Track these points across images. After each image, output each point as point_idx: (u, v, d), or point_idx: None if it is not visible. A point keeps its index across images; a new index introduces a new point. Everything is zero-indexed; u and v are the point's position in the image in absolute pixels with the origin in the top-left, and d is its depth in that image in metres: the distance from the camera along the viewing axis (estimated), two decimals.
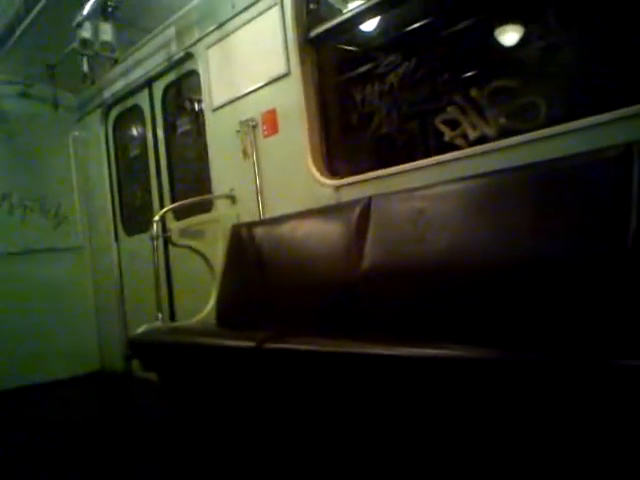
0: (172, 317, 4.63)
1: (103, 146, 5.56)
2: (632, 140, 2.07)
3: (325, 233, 3.09)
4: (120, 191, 5.53)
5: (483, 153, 2.69)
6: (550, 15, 2.55)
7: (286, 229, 3.35)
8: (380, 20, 3.38)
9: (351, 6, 3.35)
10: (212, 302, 3.68)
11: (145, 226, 4.54)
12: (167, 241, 3.88)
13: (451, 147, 2.93)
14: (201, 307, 3.76)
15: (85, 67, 4.28)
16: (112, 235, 5.48)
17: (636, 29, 2.33)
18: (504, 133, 2.72)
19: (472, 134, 2.86)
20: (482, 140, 2.81)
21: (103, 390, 5.08)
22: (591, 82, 2.50)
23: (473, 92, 2.86)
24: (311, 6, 3.57)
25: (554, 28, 2.56)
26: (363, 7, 3.26)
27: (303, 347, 2.32)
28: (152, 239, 3.65)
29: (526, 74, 2.71)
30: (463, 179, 2.60)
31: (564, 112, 2.53)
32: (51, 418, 4.16)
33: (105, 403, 4.55)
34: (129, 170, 5.51)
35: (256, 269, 3.37)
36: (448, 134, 2.97)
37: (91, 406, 4.48)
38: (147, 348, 3.28)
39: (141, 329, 3.41)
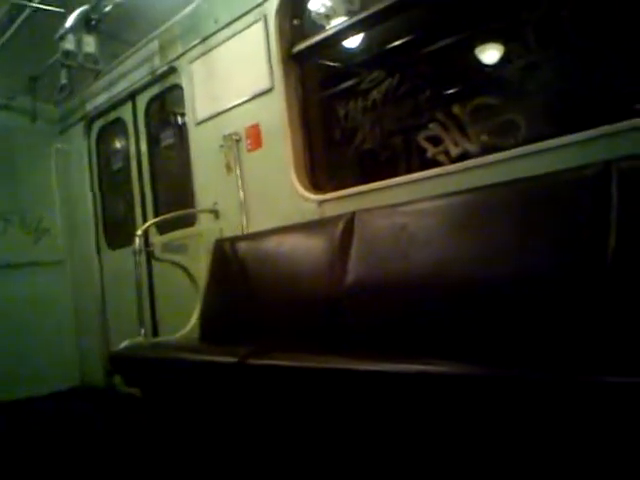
0: (155, 332, 4.58)
1: (85, 159, 5.52)
2: (610, 158, 2.11)
3: (309, 248, 3.10)
4: (103, 204, 5.49)
5: (465, 169, 2.72)
6: (529, 35, 2.60)
7: (269, 244, 3.35)
8: (363, 37, 3.42)
9: (334, 22, 3.38)
10: (195, 317, 3.65)
11: (128, 240, 4.49)
12: (150, 255, 3.85)
13: (434, 163, 2.95)
14: (184, 322, 3.73)
15: (64, 79, 4.26)
16: (94, 249, 5.43)
17: (612, 48, 2.38)
18: (486, 150, 2.75)
19: (454, 151, 2.90)
20: (464, 157, 2.84)
21: (83, 405, 5.01)
22: (570, 100, 2.54)
23: (455, 109, 2.90)
24: (294, 22, 3.60)
25: (533, 47, 2.60)
26: (346, 24, 3.30)
27: (286, 363, 2.31)
28: (134, 253, 3.63)
29: (506, 92, 2.75)
30: (446, 195, 2.62)
31: (544, 129, 2.57)
32: (29, 433, 4.09)
33: (84, 419, 4.49)
34: (112, 183, 5.48)
35: (239, 284, 3.36)
36: (431, 150, 3.00)
37: (70, 422, 4.41)
38: (129, 363, 3.25)
39: (123, 344, 3.39)
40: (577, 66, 2.46)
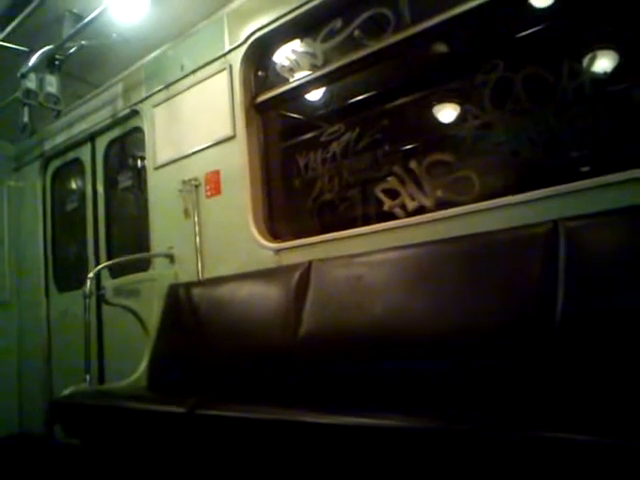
0: (101, 379, 4.43)
1: (39, 198, 5.41)
2: (558, 217, 2.19)
3: (264, 296, 3.08)
4: (54, 245, 5.35)
5: (421, 223, 2.78)
6: (484, 96, 2.71)
7: (225, 291, 3.32)
8: (325, 91, 3.50)
9: (297, 76, 3.46)
10: (144, 364, 3.55)
11: (78, 283, 4.39)
12: (100, 299, 3.75)
13: (390, 216, 3.00)
14: (133, 369, 3.62)
15: (26, 117, 4.20)
16: (43, 291, 5.26)
17: (560, 115, 2.50)
18: (441, 205, 2.82)
19: (410, 204, 2.95)
20: (420, 210, 2.90)
21: (19, 455, 4.75)
22: (522, 160, 2.64)
23: (412, 164, 2.97)
24: (259, 73, 3.67)
25: (488, 108, 2.71)
26: (309, 78, 3.38)
27: (236, 414, 2.28)
28: (85, 297, 3.53)
29: (462, 149, 2.84)
30: (401, 247, 2.66)
31: (497, 187, 2.66)
32: None
33: (19, 469, 4.24)
34: (65, 224, 5.36)
35: (192, 331, 3.30)
36: (387, 203, 3.05)
37: (2, 473, 4.17)
38: (70, 411, 3.12)
39: (66, 391, 3.25)
40: (528, 128, 2.56)
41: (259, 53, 3.63)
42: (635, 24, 2.33)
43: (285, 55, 3.53)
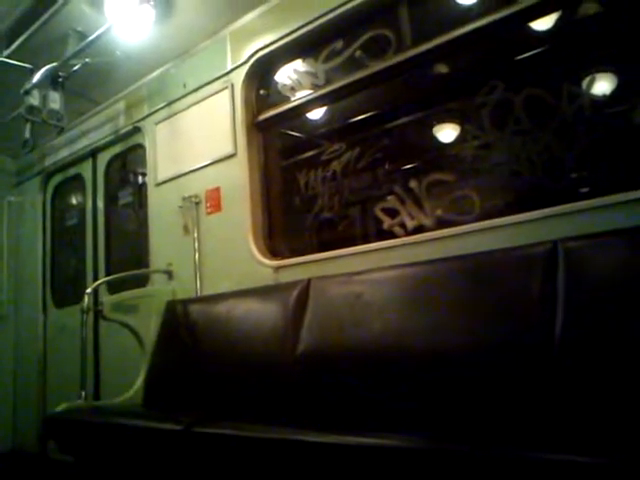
0: (97, 396, 4.39)
1: (39, 213, 5.42)
2: (558, 238, 2.19)
3: (262, 314, 3.07)
4: (53, 261, 5.35)
5: (420, 242, 2.78)
6: (484, 117, 2.73)
7: (223, 308, 3.30)
8: (326, 110, 3.54)
9: (299, 94, 3.49)
10: (140, 381, 3.52)
11: (75, 298, 4.38)
12: (98, 315, 3.73)
13: (390, 235, 3.01)
14: (129, 386, 3.59)
15: (27, 133, 4.23)
16: (40, 306, 5.24)
17: (560, 136, 2.52)
18: (440, 224, 2.82)
19: (410, 223, 2.96)
20: (419, 230, 2.90)
21: (11, 472, 4.69)
22: (520, 181, 2.65)
23: (412, 183, 2.99)
24: (260, 92, 3.70)
25: (487, 129, 2.73)
26: (310, 97, 3.41)
27: (232, 432, 2.25)
28: (82, 312, 3.53)
29: (461, 169, 2.85)
30: (401, 266, 2.66)
31: (496, 207, 2.67)
32: None
33: None
34: (65, 239, 5.36)
35: (189, 348, 3.27)
36: (387, 222, 3.06)
37: None
38: (64, 427, 3.08)
39: (60, 407, 3.22)
40: (528, 149, 2.58)
41: (261, 72, 3.66)
42: (633, 47, 2.36)
43: (287, 74, 3.56)
